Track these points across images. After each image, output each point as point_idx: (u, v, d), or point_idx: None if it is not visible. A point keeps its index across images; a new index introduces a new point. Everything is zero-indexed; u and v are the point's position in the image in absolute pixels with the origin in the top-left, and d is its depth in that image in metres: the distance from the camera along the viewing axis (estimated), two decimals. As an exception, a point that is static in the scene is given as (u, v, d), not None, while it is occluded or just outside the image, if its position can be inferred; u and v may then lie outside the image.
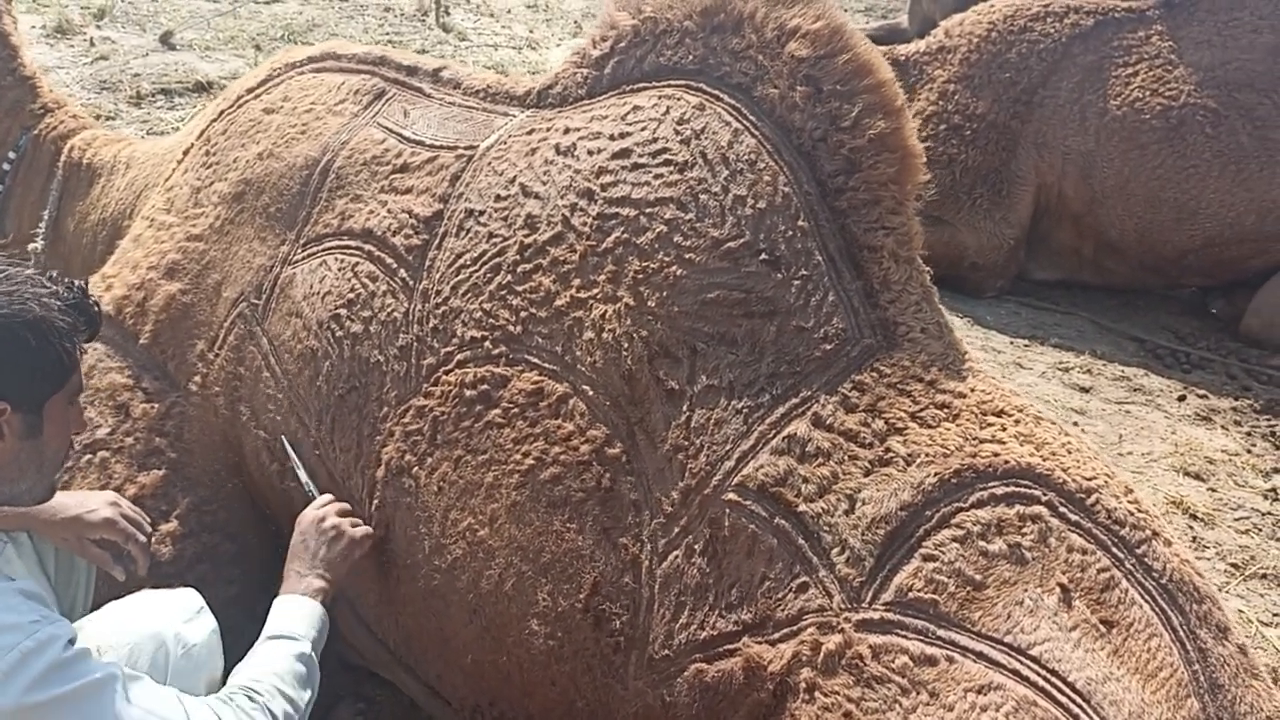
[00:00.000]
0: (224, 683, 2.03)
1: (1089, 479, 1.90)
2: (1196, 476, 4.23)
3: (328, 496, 2.37)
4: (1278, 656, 3.28)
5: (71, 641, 1.69)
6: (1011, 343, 5.41)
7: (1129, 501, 1.90)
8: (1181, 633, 1.78)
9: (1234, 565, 3.69)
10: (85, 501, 2.24)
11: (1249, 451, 4.55)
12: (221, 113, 2.93)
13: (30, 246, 3.42)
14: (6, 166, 3.53)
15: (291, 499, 2.53)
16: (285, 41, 9.33)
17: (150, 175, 3.12)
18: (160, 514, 2.58)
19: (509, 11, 11.89)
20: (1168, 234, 5.62)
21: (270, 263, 2.60)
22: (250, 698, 1.86)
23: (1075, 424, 4.59)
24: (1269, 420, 4.88)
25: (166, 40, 8.65)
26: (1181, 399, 4.96)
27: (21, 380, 1.75)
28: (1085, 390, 4.95)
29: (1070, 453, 1.95)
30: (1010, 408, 2.01)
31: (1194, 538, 3.81)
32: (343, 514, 2.31)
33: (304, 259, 2.55)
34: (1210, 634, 1.80)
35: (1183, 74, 5.57)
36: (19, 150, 3.54)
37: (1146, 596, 1.80)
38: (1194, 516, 3.94)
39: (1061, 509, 1.86)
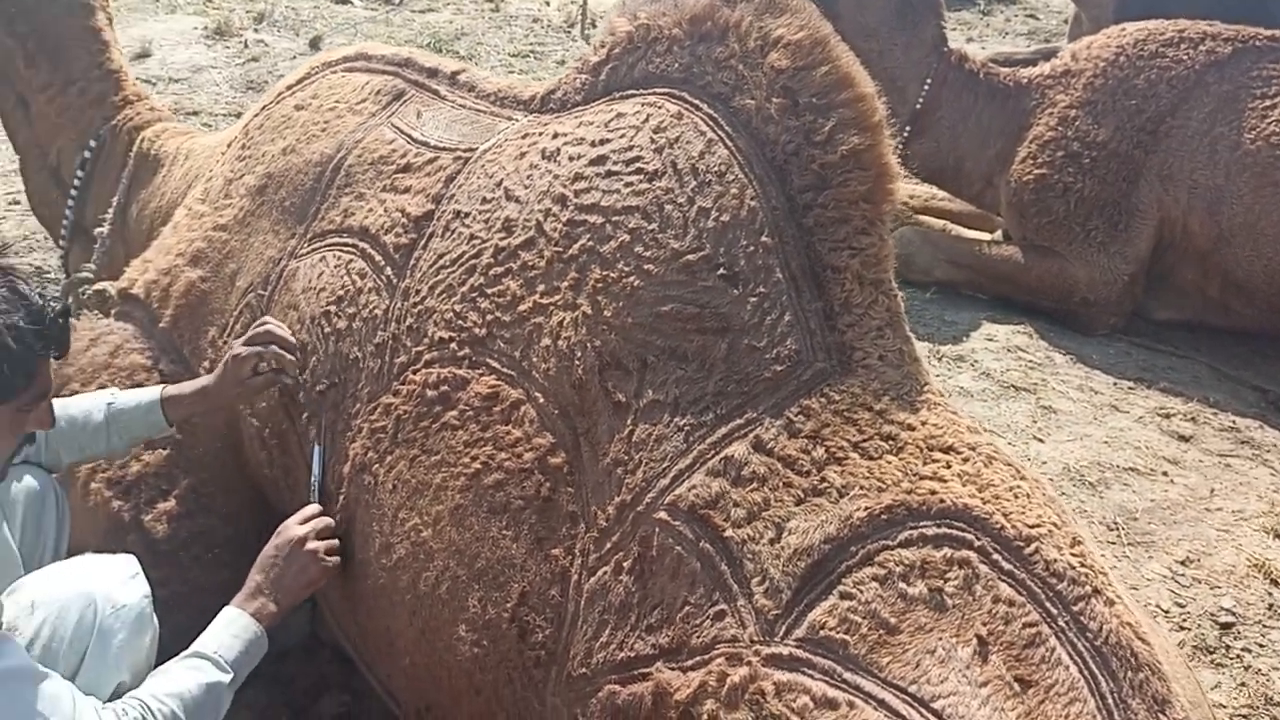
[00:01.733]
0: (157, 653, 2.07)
1: (1031, 526, 1.77)
2: (1289, 540, 3.91)
3: (315, 508, 2.32)
4: (1340, 742, 3.00)
5: None
6: (1114, 384, 5.11)
7: (1073, 554, 1.75)
8: (1110, 700, 1.63)
9: (1311, 639, 3.39)
10: (220, 371, 2.43)
11: (1359, 518, 4.17)
12: (263, 107, 3.02)
13: (96, 231, 3.60)
14: (87, 154, 3.72)
15: (279, 487, 2.58)
16: (431, 50, 9.57)
17: (200, 166, 3.24)
18: (160, 493, 2.66)
19: (657, 26, 11.92)
20: (1299, 277, 5.23)
21: (279, 255, 2.65)
22: (144, 715, 1.86)
23: (1165, 474, 4.31)
24: (1393, 486, 4.48)
25: (315, 45, 9.01)
26: (1295, 456, 4.60)
27: None
28: (1185, 439, 4.63)
29: (1017, 497, 1.81)
30: (961, 444, 1.89)
31: (1270, 605, 3.52)
32: (324, 533, 2.27)
33: (307, 253, 2.59)
34: (1144, 705, 1.64)
35: (1325, 108, 5.18)
36: (99, 140, 3.72)
37: (1076, 658, 1.66)
38: (1275, 582, 3.64)
39: (994, 556, 1.73)
